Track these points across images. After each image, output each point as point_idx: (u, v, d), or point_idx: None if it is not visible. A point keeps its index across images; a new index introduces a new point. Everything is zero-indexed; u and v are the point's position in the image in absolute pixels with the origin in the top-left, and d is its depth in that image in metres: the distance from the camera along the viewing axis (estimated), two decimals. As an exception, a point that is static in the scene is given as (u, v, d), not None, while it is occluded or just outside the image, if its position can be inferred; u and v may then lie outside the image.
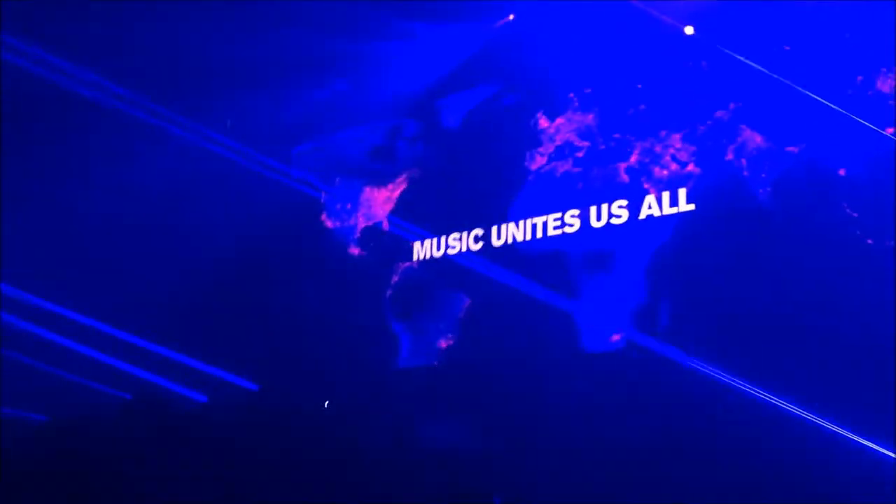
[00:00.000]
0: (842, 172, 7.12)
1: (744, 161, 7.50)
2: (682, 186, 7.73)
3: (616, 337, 7.87)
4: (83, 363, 8.64)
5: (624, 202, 7.96)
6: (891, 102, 6.99)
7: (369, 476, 7.13)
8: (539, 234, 8.22)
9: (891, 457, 6.43)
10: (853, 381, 6.73)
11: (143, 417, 7.70)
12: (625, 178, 8.02)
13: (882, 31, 7.00)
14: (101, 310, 8.74)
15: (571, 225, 8.16)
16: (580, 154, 8.24)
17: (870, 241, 6.92)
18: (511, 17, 8.55)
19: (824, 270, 7.04)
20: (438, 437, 7.92)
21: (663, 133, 7.94)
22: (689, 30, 7.81)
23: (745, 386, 7.06)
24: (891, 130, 6.95)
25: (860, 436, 6.62)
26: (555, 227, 8.19)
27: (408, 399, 8.18)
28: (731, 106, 7.68)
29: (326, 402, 8.38)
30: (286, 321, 8.73)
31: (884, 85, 7.06)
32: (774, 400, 6.93)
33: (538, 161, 8.40)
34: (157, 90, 8.90)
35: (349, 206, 9.04)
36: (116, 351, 8.71)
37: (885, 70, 7.00)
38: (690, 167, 7.74)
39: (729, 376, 7.15)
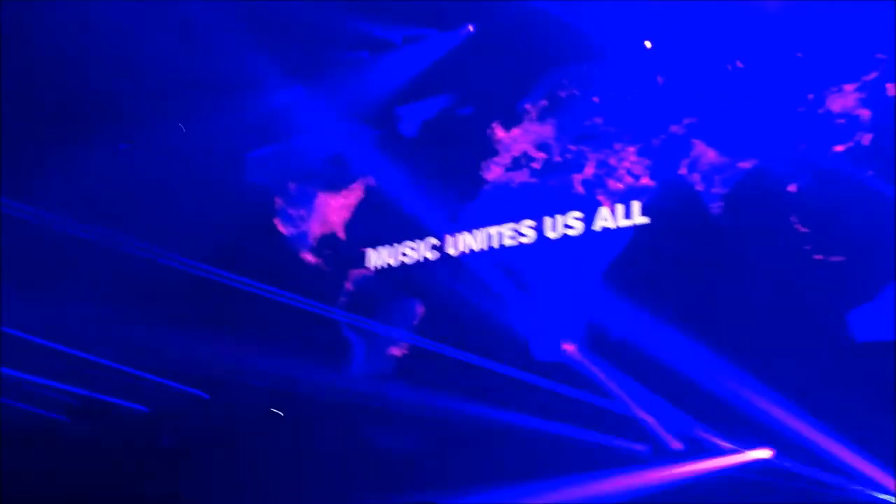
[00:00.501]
0: (792, 188, 7.25)
1: (697, 175, 7.60)
2: (636, 199, 7.82)
3: (568, 347, 7.92)
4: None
5: (579, 214, 8.02)
6: (840, 120, 7.15)
7: (323, 481, 7.13)
8: (495, 244, 8.25)
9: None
10: (804, 394, 6.86)
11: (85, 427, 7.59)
12: (580, 189, 8.08)
13: (833, 50, 7.15)
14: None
15: (526, 235, 8.20)
16: (536, 165, 8.29)
17: (819, 257, 7.06)
18: (470, 27, 8.57)
19: (774, 285, 7.17)
20: (389, 443, 7.93)
21: (618, 146, 8.02)
22: (647, 44, 7.90)
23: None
24: (840, 148, 7.10)
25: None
26: (510, 238, 8.22)
27: (360, 406, 8.14)
28: (685, 121, 7.77)
29: (276, 411, 8.30)
30: (239, 328, 8.62)
31: (833, 103, 7.21)
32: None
33: (494, 171, 8.42)
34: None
35: (303, 213, 8.97)
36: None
37: (835, 88, 7.15)
38: (644, 180, 7.83)
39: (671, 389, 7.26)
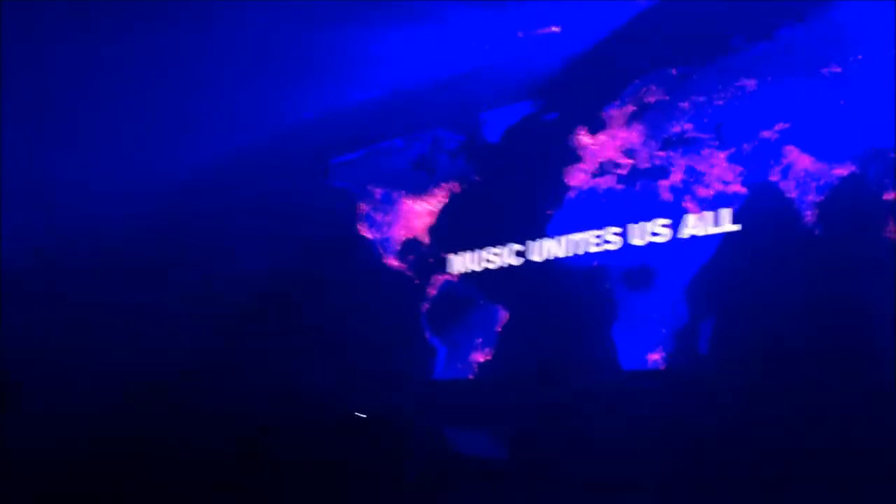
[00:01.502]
0: (889, 196, 7.02)
1: (791, 182, 7.42)
2: (725, 206, 7.66)
3: (654, 356, 7.80)
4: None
5: (666, 221, 7.89)
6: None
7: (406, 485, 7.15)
8: (580, 251, 8.18)
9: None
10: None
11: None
12: (667, 196, 7.96)
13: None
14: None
15: (612, 242, 8.11)
16: (622, 171, 8.19)
17: (920, 266, 6.82)
18: (555, 29, 8.50)
19: (869, 296, 6.94)
20: (473, 450, 7.91)
21: (707, 152, 7.88)
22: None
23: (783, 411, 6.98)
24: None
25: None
26: (595, 245, 8.14)
27: (443, 411, 8.16)
28: (778, 126, 7.60)
29: (360, 414, 8.36)
30: (324, 333, 8.72)
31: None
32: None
33: (580, 177, 8.35)
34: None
35: (388, 218, 9.03)
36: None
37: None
38: (735, 187, 7.67)
39: (766, 402, 7.07)
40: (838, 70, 7.36)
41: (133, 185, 9.13)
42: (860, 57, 7.32)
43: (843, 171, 7.22)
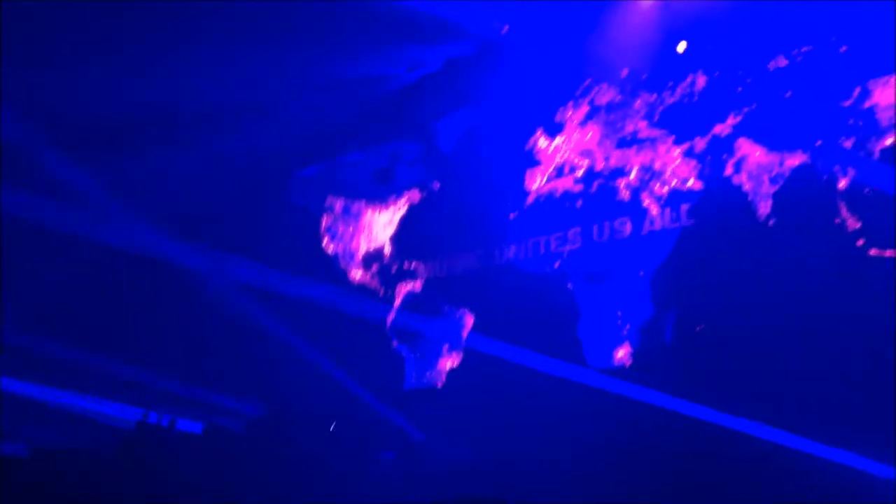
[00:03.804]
0: (842, 184, 7.14)
1: (744, 175, 7.53)
2: (682, 202, 7.76)
3: (620, 352, 7.86)
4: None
5: (625, 218, 7.98)
6: (888, 113, 7.03)
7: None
8: (541, 253, 8.24)
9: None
10: (857, 388, 6.74)
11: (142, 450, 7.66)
12: (625, 194, 8.05)
13: (878, 42, 7.05)
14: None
15: (573, 242, 8.18)
16: (580, 172, 8.27)
17: (874, 252, 6.94)
18: (505, 28, 8.54)
19: (830, 281, 7.05)
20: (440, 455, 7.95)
21: (663, 149, 7.97)
22: (681, 47, 7.87)
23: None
24: (889, 141, 6.99)
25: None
26: (557, 245, 8.20)
27: (413, 418, 8.18)
28: (730, 120, 7.71)
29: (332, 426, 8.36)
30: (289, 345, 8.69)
31: (880, 96, 7.10)
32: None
33: (538, 180, 8.42)
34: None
35: (351, 230, 9.04)
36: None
37: (881, 81, 7.04)
38: (691, 182, 7.77)
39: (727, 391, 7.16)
40: (785, 63, 7.49)
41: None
42: (806, 49, 7.45)
43: (794, 161, 7.35)
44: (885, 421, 6.49)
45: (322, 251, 9.15)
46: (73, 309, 8.67)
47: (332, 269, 8.99)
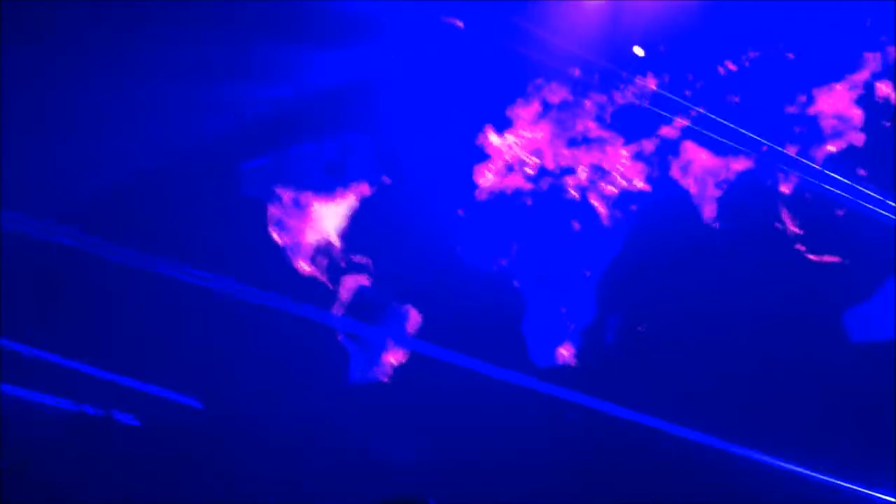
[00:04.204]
0: (785, 189, 7.26)
1: (690, 178, 7.62)
2: (630, 203, 7.83)
3: (564, 351, 7.92)
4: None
5: (574, 218, 8.02)
6: (832, 121, 7.16)
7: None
8: (489, 250, 8.24)
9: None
10: (800, 395, 6.87)
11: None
12: (574, 193, 8.09)
13: (823, 50, 7.17)
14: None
15: (520, 240, 8.20)
16: (529, 170, 8.29)
17: (813, 257, 7.07)
18: (460, 24, 8.51)
19: (770, 285, 7.18)
20: (387, 450, 7.92)
21: (611, 150, 8.03)
22: (638, 51, 7.91)
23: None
24: (832, 148, 7.11)
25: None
26: (505, 242, 8.22)
27: (359, 413, 8.14)
28: (677, 123, 7.79)
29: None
30: (232, 335, 8.60)
31: (824, 104, 7.22)
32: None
33: (487, 177, 8.42)
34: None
35: (299, 222, 8.95)
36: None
37: (825, 88, 7.17)
38: (637, 183, 7.83)
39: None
40: (733, 68, 7.58)
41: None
42: (753, 55, 7.54)
43: (739, 165, 7.45)
44: (820, 421, 6.65)
45: (269, 242, 9.03)
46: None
47: (279, 261, 8.87)
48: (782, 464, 6.88)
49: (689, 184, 7.63)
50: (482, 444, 7.68)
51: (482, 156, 8.43)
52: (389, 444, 7.89)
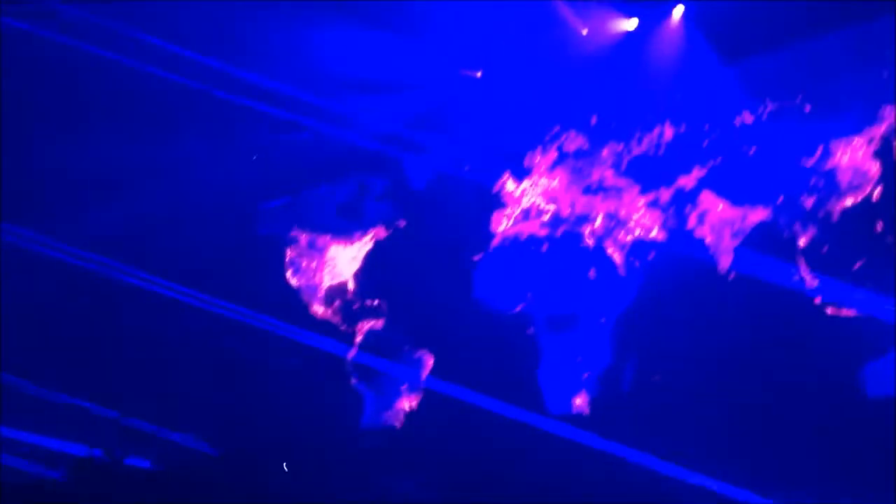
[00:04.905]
0: (802, 242, 7.26)
1: (706, 227, 7.62)
2: (645, 251, 7.83)
3: (579, 399, 7.89)
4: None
5: (589, 265, 8.02)
6: (848, 174, 7.17)
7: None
8: (505, 296, 8.25)
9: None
10: (815, 446, 6.83)
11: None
12: (590, 241, 8.10)
13: (841, 104, 7.20)
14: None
15: (536, 287, 8.20)
16: (546, 217, 8.31)
17: (830, 311, 7.05)
18: (479, 74, 8.60)
19: (787, 338, 7.15)
20: (402, 493, 7.89)
21: (628, 198, 8.05)
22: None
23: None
24: (850, 201, 7.11)
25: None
26: (521, 289, 8.22)
27: (372, 457, 8.12)
28: (695, 173, 7.81)
29: (285, 465, 8.26)
30: (245, 379, 8.60)
31: (842, 157, 7.24)
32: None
33: (504, 223, 8.45)
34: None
35: (314, 264, 8.99)
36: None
37: (843, 141, 7.19)
38: (654, 233, 7.84)
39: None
40: (750, 119, 7.61)
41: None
42: (771, 107, 7.58)
43: (756, 216, 7.46)
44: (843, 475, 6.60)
45: (285, 285, 9.06)
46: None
47: (295, 303, 8.90)
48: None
49: (706, 233, 7.63)
50: (496, 489, 7.64)
51: (499, 202, 8.46)
52: (404, 487, 7.85)
